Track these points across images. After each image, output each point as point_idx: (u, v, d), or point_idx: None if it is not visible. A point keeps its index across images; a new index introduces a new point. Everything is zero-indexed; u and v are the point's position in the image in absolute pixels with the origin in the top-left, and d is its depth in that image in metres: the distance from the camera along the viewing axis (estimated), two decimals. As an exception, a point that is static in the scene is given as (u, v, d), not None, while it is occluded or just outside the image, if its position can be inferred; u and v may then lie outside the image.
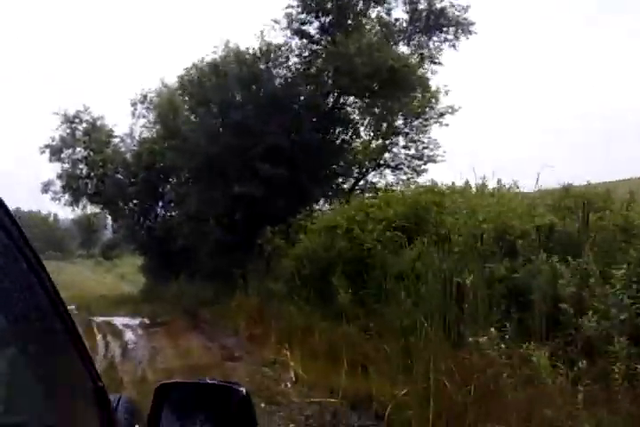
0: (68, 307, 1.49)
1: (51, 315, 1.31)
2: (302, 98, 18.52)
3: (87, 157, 27.81)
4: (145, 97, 26.83)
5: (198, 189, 18.96)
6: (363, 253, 11.75)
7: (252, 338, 13.56)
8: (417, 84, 18.67)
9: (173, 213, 24.74)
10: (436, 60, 19.36)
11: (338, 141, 19.69)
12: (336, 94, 19.08)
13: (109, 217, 30.02)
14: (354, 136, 20.47)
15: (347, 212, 13.71)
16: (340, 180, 20.81)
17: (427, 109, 21.14)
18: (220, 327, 16.51)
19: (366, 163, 21.51)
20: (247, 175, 18.26)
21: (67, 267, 60.42)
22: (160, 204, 25.20)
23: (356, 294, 10.97)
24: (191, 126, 18.97)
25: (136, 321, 19.85)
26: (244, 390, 1.69)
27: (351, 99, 19.75)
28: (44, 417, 1.28)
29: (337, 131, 19.51)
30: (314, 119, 18.68)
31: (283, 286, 13.72)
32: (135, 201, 25.54)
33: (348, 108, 20.14)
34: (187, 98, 21.02)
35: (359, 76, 17.14)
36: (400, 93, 18.41)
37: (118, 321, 19.25)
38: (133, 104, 27.22)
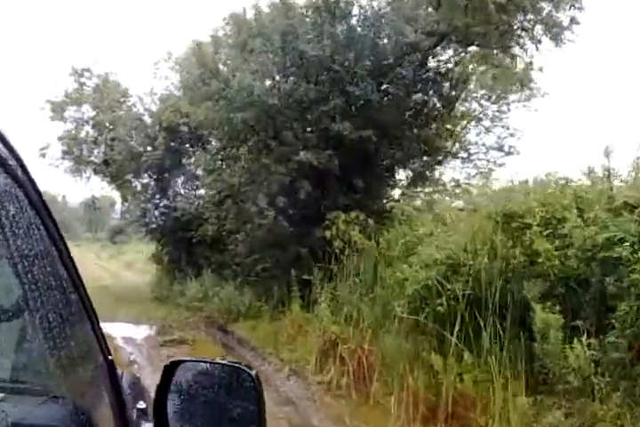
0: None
1: (68, 286, 1.31)
2: (399, 40, 12.59)
3: (95, 117, 21.95)
4: (170, 55, 20.80)
5: (242, 158, 13.07)
6: (590, 263, 5.92)
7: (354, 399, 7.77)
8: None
9: (200, 191, 18.82)
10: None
11: (438, 107, 13.77)
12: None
13: (119, 197, 24.03)
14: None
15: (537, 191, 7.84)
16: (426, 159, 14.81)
17: (513, 88, 15.46)
18: (271, 360, 10.72)
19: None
20: (315, 139, 12.44)
21: (71, 249, 55.40)
22: (182, 178, 19.27)
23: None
24: (239, 74, 13.00)
25: (142, 333, 14.07)
26: (254, 372, 1.61)
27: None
28: (54, 386, 1.26)
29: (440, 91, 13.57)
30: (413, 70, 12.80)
31: (404, 309, 7.77)
32: (150, 174, 19.52)
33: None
34: (227, 50, 15.12)
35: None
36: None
37: (118, 331, 13.43)
38: (156, 63, 21.14)
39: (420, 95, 13.09)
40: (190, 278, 16.88)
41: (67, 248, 1.31)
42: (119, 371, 1.68)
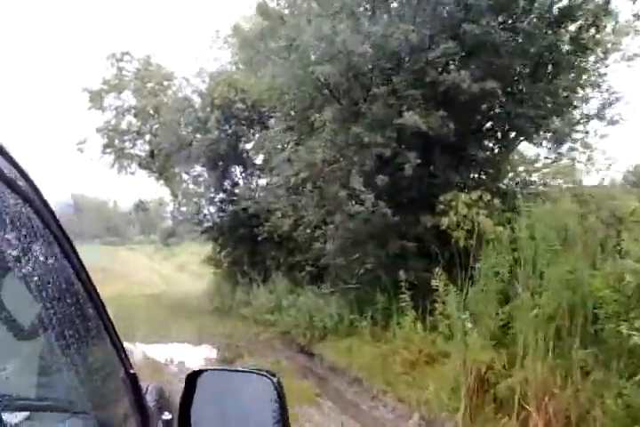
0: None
1: (85, 301, 1.28)
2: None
3: (137, 105, 18.98)
4: (218, 33, 17.61)
5: (324, 129, 9.70)
6: None
7: None
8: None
9: (262, 181, 15.58)
10: None
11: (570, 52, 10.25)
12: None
13: (169, 194, 20.93)
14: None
15: None
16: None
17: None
18: (387, 401, 7.40)
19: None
20: (420, 96, 9.14)
21: (123, 253, 53.44)
22: (240, 167, 16.06)
23: None
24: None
25: (202, 356, 10.97)
26: (276, 378, 1.56)
27: None
28: (77, 402, 1.25)
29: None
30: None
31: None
32: (203, 163, 16.30)
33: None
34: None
35: None
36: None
37: (171, 354, 10.31)
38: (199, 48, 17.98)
39: (552, 37, 9.63)
40: (257, 284, 13.69)
41: (81, 262, 1.24)
42: (144, 383, 1.59)
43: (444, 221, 8.69)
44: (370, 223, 9.06)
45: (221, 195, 16.07)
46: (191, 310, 15.21)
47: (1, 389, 0.92)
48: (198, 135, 15.85)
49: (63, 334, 1.14)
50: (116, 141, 18.96)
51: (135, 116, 19.07)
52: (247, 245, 14.86)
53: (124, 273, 32.90)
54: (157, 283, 27.22)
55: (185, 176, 19.08)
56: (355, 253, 9.37)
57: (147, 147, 19.31)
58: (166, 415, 1.72)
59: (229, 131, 15.22)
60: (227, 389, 1.62)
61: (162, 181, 20.39)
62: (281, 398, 1.53)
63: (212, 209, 16.19)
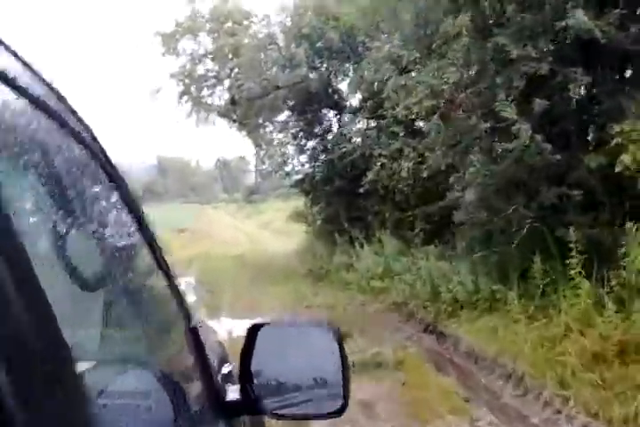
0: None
1: (147, 255, 1.29)
2: None
3: (214, 49, 16.86)
4: None
5: (454, 45, 7.20)
6: None
7: None
8: None
9: (360, 126, 13.16)
10: None
11: None
12: None
13: (253, 147, 18.82)
14: None
15: None
16: None
17: None
18: (577, 418, 5.20)
19: None
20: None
21: (206, 211, 52.72)
22: (335, 110, 13.71)
23: None
24: None
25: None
26: (335, 330, 1.56)
27: None
28: (139, 355, 1.29)
29: None
30: None
31: None
32: (289, 107, 14.04)
33: None
34: None
35: None
36: None
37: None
38: None
39: None
40: (359, 244, 11.50)
41: (143, 216, 1.24)
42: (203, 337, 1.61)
43: (625, 159, 6.30)
44: (521, 165, 6.70)
45: (312, 142, 13.84)
46: (281, 274, 13.23)
47: (66, 339, 0.76)
48: (284, 75, 13.62)
49: (126, 286, 1.19)
50: (193, 89, 16.97)
51: (212, 60, 17.00)
52: (345, 198, 12.62)
53: (208, 232, 31.55)
54: (242, 242, 25.57)
55: (269, 127, 17.07)
56: (499, 204, 7.03)
57: (226, 94, 17.26)
58: (226, 367, 1.82)
59: (320, 67, 12.90)
60: (287, 342, 1.62)
61: (244, 132, 18.39)
62: (340, 348, 1.50)
63: (303, 159, 14.04)
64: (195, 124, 17.88)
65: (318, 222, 14.54)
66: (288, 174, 14.40)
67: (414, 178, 9.24)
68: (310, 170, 13.69)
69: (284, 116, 15.11)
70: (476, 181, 7.01)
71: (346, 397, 1.47)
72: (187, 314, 1.47)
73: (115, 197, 1.13)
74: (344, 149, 11.92)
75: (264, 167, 16.65)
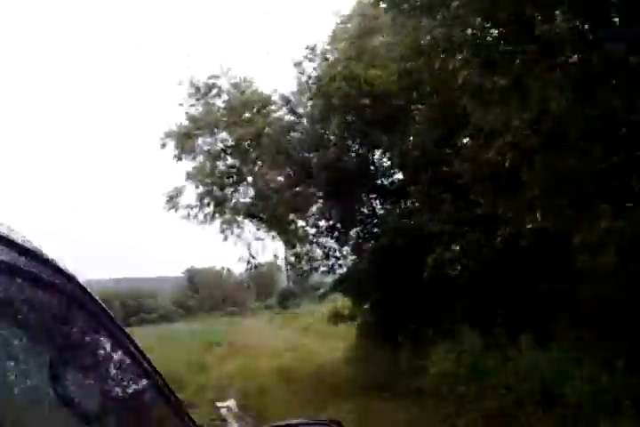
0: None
1: (142, 381, 1.30)
2: None
3: (234, 142, 15.56)
4: (313, 49, 14.08)
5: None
6: None
7: None
8: None
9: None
10: None
11: None
12: None
13: (283, 251, 17.13)
14: None
15: None
16: None
17: None
18: None
19: None
20: None
21: (241, 322, 50.70)
22: (375, 192, 12.00)
23: None
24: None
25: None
26: (338, 424, 1.60)
27: None
28: None
29: None
30: None
31: None
32: (325, 194, 12.37)
33: None
34: None
35: None
36: None
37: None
38: (297, 64, 14.39)
39: None
40: (430, 343, 9.43)
41: (133, 341, 1.27)
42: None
43: None
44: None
45: (355, 230, 12.14)
46: (336, 388, 11.10)
47: None
48: (313, 159, 12.14)
49: (126, 418, 1.26)
50: (215, 188, 15.56)
51: (231, 155, 15.70)
52: (402, 291, 10.70)
53: (245, 344, 29.35)
54: (283, 351, 23.35)
55: (300, 222, 15.48)
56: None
57: (250, 191, 15.83)
58: None
59: (354, 143, 11.38)
60: None
61: (273, 233, 16.76)
62: None
63: (345, 251, 12.28)
64: (219, 228, 16.32)
65: (370, 322, 12.48)
66: (331, 270, 12.57)
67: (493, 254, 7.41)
68: (355, 262, 11.89)
69: (316, 207, 13.51)
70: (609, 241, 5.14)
71: None
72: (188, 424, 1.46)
73: (101, 328, 1.16)
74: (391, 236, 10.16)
75: (300, 266, 14.87)
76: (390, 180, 11.78)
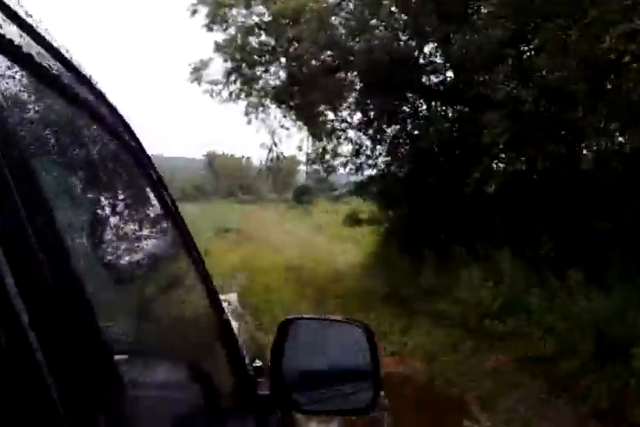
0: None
1: (180, 251, 1.31)
2: None
3: (268, 20, 13.87)
4: None
5: None
6: None
7: None
8: None
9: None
10: None
11: None
12: None
13: (308, 139, 15.77)
14: None
15: None
16: None
17: None
18: None
19: None
20: None
21: (255, 210, 50.19)
22: (420, 92, 10.38)
23: None
24: None
25: None
26: (367, 328, 1.51)
27: None
28: (173, 348, 1.25)
29: None
30: None
31: None
32: (364, 86, 10.79)
33: None
34: None
35: None
36: None
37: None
38: None
39: None
40: (462, 264, 8.31)
41: (179, 213, 1.25)
42: (236, 330, 1.64)
43: None
44: None
45: (393, 128, 10.68)
46: (350, 297, 10.11)
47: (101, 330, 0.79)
48: (357, 44, 10.53)
49: (160, 280, 1.23)
50: (243, 66, 14.00)
51: (266, 31, 14.02)
52: (437, 202, 9.42)
53: (256, 234, 28.69)
54: (294, 248, 22.51)
55: (331, 115, 14.04)
56: None
57: (282, 73, 14.29)
58: (257, 363, 1.77)
59: (404, 33, 9.71)
60: (318, 337, 1.59)
61: (300, 122, 15.39)
62: (372, 346, 1.48)
63: (379, 150, 10.89)
64: (244, 111, 14.92)
65: (394, 231, 11.28)
66: (359, 169, 11.25)
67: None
68: (387, 164, 10.55)
69: (352, 98, 11.99)
70: None
71: (376, 392, 1.44)
72: (218, 308, 1.46)
73: (152, 196, 1.14)
74: (436, 137, 8.77)
75: (326, 161, 13.58)
76: (440, 79, 10.17)
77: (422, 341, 7.35)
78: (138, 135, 1.09)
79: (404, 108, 10.54)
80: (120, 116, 1.01)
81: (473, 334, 7.19)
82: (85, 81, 0.88)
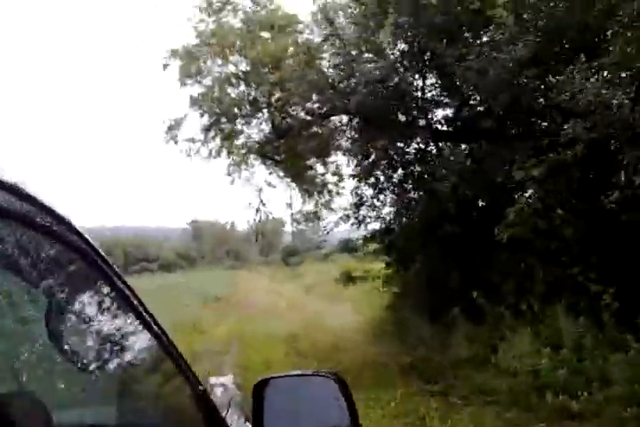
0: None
1: (145, 331, 1.28)
2: None
3: (246, 70, 12.78)
4: None
5: None
6: None
7: None
8: None
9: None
10: None
11: None
12: None
13: (295, 194, 14.45)
14: None
15: None
16: None
17: None
18: None
19: None
20: None
21: (243, 276, 48.61)
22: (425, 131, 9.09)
23: None
24: None
25: None
26: (339, 378, 1.52)
27: None
28: (152, 424, 1.30)
29: None
30: None
31: None
32: (360, 126, 9.54)
33: None
34: None
35: None
36: None
37: None
38: None
39: None
40: (506, 326, 6.80)
41: (135, 295, 1.21)
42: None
43: None
44: None
45: (398, 173, 9.35)
46: (361, 371, 8.51)
47: (84, 417, 0.91)
48: (348, 81, 9.34)
49: (131, 365, 1.23)
50: (222, 119, 12.77)
51: (245, 81, 12.87)
52: (460, 254, 7.99)
53: (246, 301, 26.96)
54: (287, 312, 20.85)
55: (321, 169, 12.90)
56: None
57: (265, 127, 13.06)
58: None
59: (410, 62, 8.50)
60: (293, 394, 1.56)
61: (287, 179, 14.15)
62: (348, 399, 1.47)
63: (383, 200, 9.54)
64: (226, 170, 13.58)
65: (410, 290, 9.70)
66: (361, 222, 9.83)
67: None
68: (396, 214, 9.17)
69: (347, 144, 10.73)
70: None
71: None
72: (192, 380, 1.42)
73: (100, 277, 1.13)
74: (453, 178, 7.47)
75: (320, 217, 12.28)
76: (452, 112, 8.93)
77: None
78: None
79: (410, 148, 9.25)
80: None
81: (535, 415, 5.65)
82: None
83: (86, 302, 1.09)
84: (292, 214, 14.80)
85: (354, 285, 23.71)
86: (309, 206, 13.81)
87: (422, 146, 9.08)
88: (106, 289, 1.13)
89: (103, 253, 1.12)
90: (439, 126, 8.93)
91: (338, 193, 13.58)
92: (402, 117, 8.86)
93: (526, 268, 6.98)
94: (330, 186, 13.88)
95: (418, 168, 8.91)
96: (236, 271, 54.32)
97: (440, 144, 8.87)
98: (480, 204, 7.53)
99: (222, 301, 25.98)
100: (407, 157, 9.14)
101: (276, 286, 36.13)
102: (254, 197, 13.71)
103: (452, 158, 7.75)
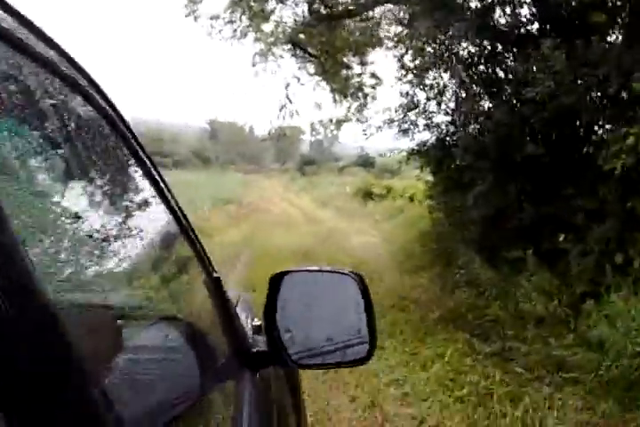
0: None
1: (166, 208, 1.24)
2: None
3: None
4: None
5: None
6: None
7: None
8: None
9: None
10: None
11: None
12: None
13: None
14: None
15: None
16: None
17: None
18: None
19: None
20: None
21: (257, 180, 47.42)
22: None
23: None
24: None
25: None
26: (359, 277, 1.43)
27: None
28: (165, 307, 1.24)
29: None
30: None
31: None
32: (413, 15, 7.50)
33: None
34: None
35: None
36: None
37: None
38: None
39: None
40: (596, 276, 5.12)
41: (161, 177, 1.19)
42: (235, 293, 1.56)
43: None
44: None
45: (467, 73, 7.34)
46: (395, 308, 7.01)
47: (93, 296, 0.84)
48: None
49: (147, 239, 1.13)
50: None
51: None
52: (543, 183, 6.11)
53: (259, 207, 25.69)
54: (302, 224, 19.35)
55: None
56: None
57: (300, 10, 10.93)
58: (256, 321, 1.72)
59: None
60: (310, 289, 1.50)
61: (319, 77, 12.24)
62: (365, 297, 1.41)
63: (437, 105, 7.62)
64: (251, 60, 11.55)
65: (464, 219, 7.82)
66: (407, 130, 7.93)
67: None
68: (459, 123, 7.28)
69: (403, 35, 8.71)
70: None
71: (372, 343, 1.41)
72: (207, 265, 1.41)
73: (130, 157, 1.07)
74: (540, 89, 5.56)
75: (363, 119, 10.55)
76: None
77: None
78: (112, 100, 0.97)
79: (480, 47, 7.16)
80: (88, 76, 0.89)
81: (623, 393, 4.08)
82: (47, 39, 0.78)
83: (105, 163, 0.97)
84: (313, 124, 13.09)
85: (372, 201, 22.20)
86: (341, 110, 12.08)
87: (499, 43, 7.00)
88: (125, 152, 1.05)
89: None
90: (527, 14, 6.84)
91: (374, 97, 11.92)
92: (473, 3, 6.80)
93: (633, 209, 5.20)
94: (366, 89, 12.10)
95: (497, 68, 6.88)
96: (250, 176, 53.00)
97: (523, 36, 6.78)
98: (578, 122, 5.65)
99: (234, 203, 24.56)
100: (472, 56, 7.06)
101: (291, 196, 34.74)
102: (277, 96, 11.90)
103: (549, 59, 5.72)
